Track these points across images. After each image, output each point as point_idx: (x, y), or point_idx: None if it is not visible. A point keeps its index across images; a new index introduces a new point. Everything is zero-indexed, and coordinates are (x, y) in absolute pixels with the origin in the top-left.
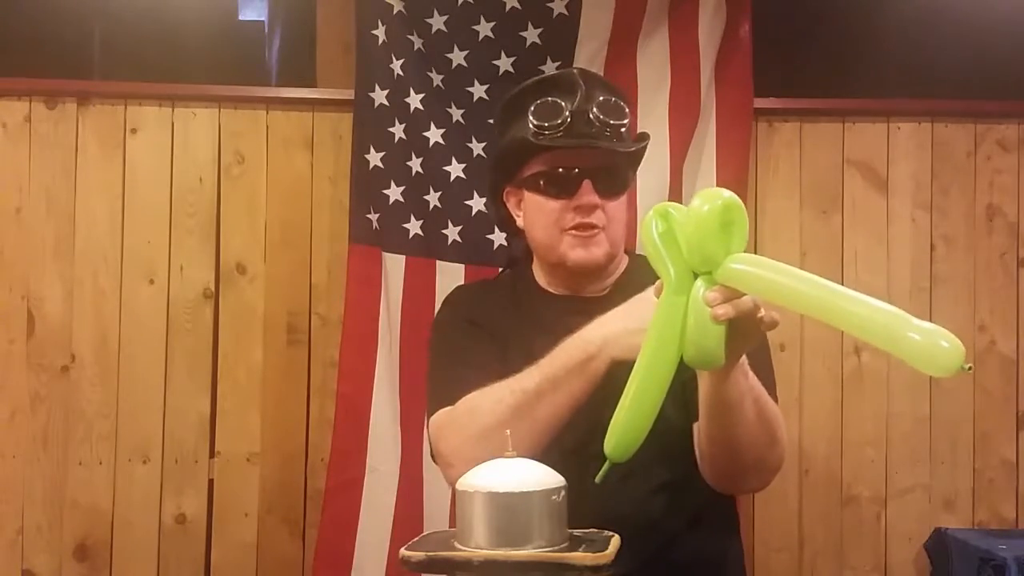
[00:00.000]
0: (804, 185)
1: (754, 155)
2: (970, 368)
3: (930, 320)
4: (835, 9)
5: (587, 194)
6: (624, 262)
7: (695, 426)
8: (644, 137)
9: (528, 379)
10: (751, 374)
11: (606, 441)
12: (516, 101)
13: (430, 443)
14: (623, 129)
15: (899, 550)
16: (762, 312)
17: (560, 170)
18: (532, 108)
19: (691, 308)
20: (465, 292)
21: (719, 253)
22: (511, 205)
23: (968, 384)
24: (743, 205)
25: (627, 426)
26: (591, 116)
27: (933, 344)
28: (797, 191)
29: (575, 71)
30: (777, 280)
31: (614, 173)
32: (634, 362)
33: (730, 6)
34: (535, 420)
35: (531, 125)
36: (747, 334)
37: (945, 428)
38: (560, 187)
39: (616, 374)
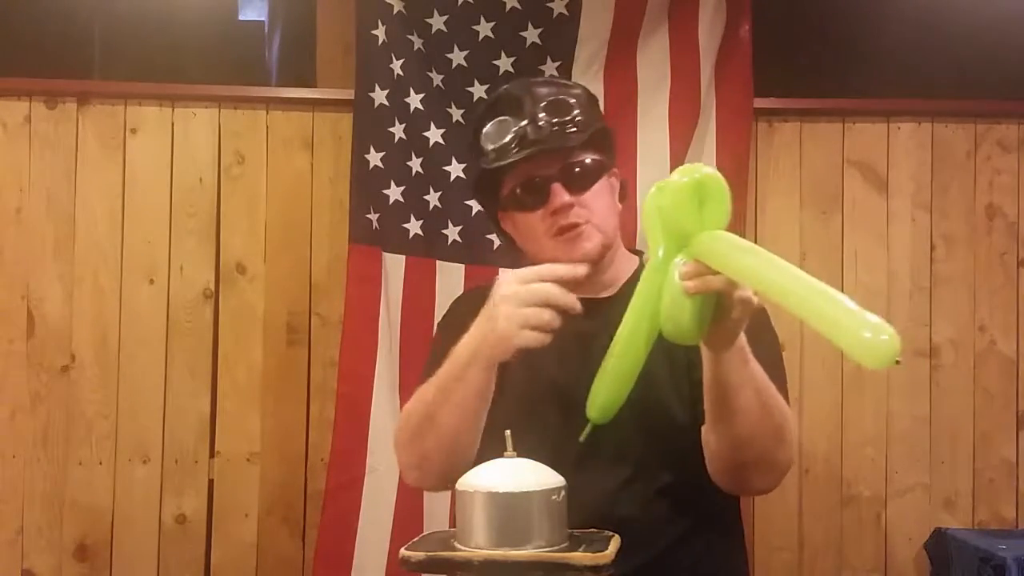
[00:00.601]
0: (804, 185)
1: (754, 155)
2: (898, 362)
3: (930, 321)
4: (835, 9)
5: (558, 196)
6: (633, 263)
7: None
8: (590, 122)
9: (427, 390)
10: (753, 362)
11: (588, 405)
12: (476, 131)
13: None
14: (578, 121)
15: (899, 550)
16: (737, 292)
17: (529, 181)
18: (483, 134)
19: (667, 281)
20: (472, 297)
21: (692, 227)
22: (508, 228)
23: (968, 384)
24: (723, 183)
25: (607, 390)
26: (542, 121)
27: (875, 339)
28: (797, 191)
29: (521, 82)
30: (735, 257)
31: (581, 166)
32: (512, 360)
33: (730, 6)
34: (439, 427)
35: (488, 152)
36: (725, 314)
37: (945, 428)
38: (533, 197)
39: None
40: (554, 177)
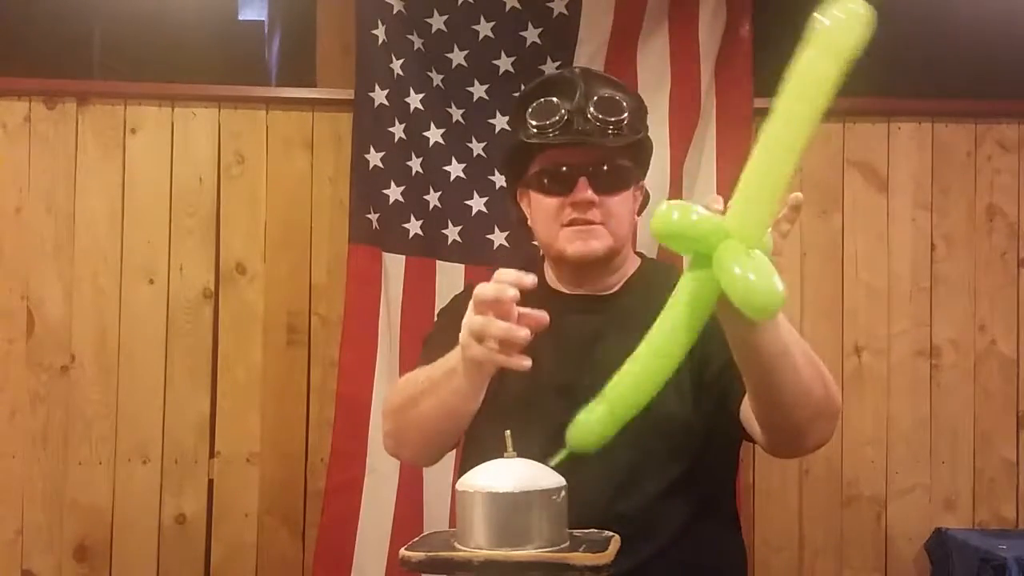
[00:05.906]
0: (804, 185)
1: None
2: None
3: (930, 321)
4: None
5: (582, 191)
6: (636, 263)
7: (743, 407)
8: (636, 129)
9: (419, 375)
10: (784, 320)
11: (573, 429)
12: (520, 103)
13: None
14: (623, 124)
15: (899, 550)
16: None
17: (558, 168)
18: (530, 109)
19: (729, 264)
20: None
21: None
22: (524, 205)
23: (968, 384)
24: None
25: (611, 418)
26: (589, 114)
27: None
28: (797, 191)
29: (577, 70)
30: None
31: (612, 169)
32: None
33: (730, 6)
34: (420, 413)
35: (529, 126)
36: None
37: (945, 428)
38: (558, 184)
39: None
40: (584, 171)
